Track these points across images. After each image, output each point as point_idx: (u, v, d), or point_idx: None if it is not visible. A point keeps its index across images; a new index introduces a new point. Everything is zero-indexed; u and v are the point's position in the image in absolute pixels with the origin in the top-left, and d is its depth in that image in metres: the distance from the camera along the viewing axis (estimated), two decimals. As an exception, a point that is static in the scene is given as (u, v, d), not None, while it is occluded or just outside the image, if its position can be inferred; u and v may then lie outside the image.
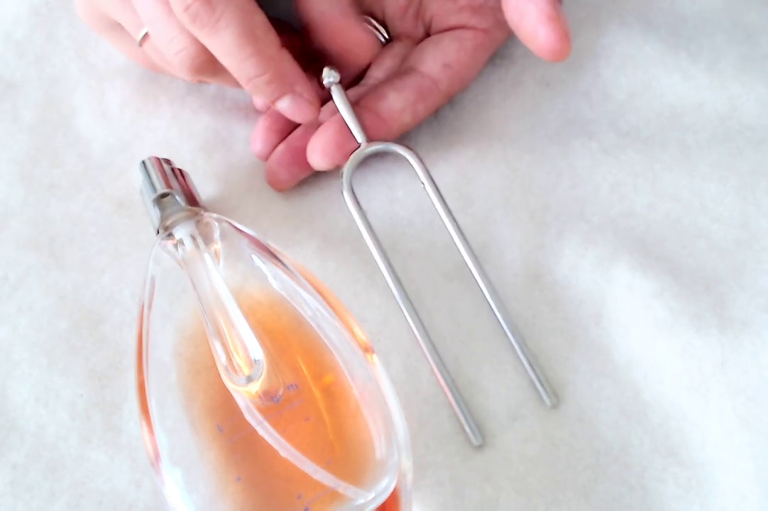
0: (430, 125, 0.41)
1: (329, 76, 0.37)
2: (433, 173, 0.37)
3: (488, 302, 0.35)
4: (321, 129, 0.37)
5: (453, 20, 0.39)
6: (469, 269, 0.36)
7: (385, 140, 0.37)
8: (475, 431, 0.33)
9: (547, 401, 0.34)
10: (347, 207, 0.36)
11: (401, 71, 0.39)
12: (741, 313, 0.35)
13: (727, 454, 0.32)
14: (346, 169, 0.36)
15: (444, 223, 0.36)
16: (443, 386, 0.34)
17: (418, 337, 0.35)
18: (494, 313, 0.35)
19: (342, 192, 0.36)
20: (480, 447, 0.34)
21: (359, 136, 0.37)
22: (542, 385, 0.34)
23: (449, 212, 0.36)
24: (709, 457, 0.33)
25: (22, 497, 0.34)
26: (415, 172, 0.37)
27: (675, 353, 0.34)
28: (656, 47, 0.42)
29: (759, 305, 0.35)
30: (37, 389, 0.36)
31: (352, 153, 0.37)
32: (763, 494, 0.32)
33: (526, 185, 0.39)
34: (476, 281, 0.36)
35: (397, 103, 0.38)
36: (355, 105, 0.37)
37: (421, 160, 0.37)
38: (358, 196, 0.37)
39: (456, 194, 0.39)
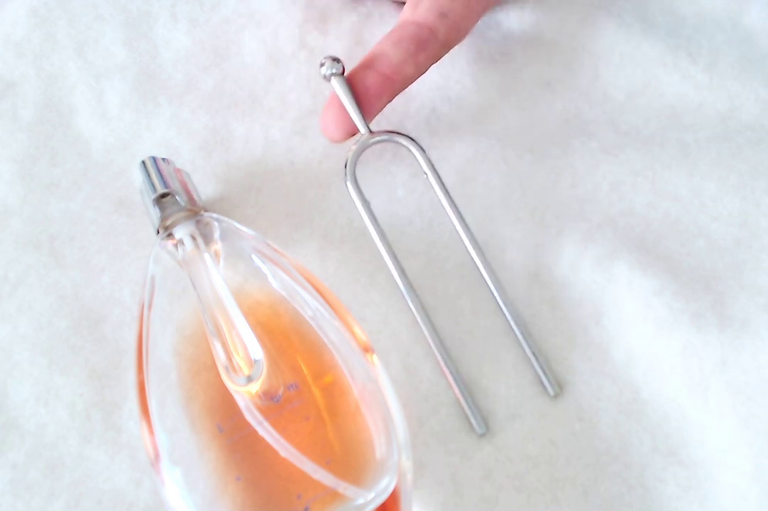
0: (429, 124, 0.41)
1: (331, 67, 0.36)
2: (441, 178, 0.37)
3: (491, 298, 0.36)
4: (330, 102, 0.37)
5: None
6: (474, 262, 0.36)
7: (388, 131, 0.37)
8: (479, 420, 0.34)
9: (550, 391, 0.34)
10: (351, 198, 0.36)
11: (397, 25, 0.38)
12: (741, 312, 0.35)
13: (727, 453, 0.33)
14: (350, 159, 0.36)
15: (447, 212, 0.36)
16: (450, 380, 0.34)
17: (425, 330, 0.35)
18: (500, 307, 0.36)
19: (345, 183, 0.36)
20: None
21: (362, 127, 0.36)
22: (546, 375, 0.34)
23: (452, 203, 0.36)
24: (708, 456, 0.33)
25: (21, 496, 0.34)
26: (418, 163, 0.37)
27: (675, 351, 0.34)
28: (656, 47, 0.42)
29: (759, 304, 0.35)
30: (37, 388, 0.36)
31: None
32: (762, 494, 0.32)
33: (526, 184, 0.39)
34: (481, 274, 0.36)
35: (397, 56, 0.37)
36: (356, 66, 0.37)
37: (423, 151, 0.37)
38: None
39: (455, 194, 0.38)
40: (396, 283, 0.36)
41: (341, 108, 0.37)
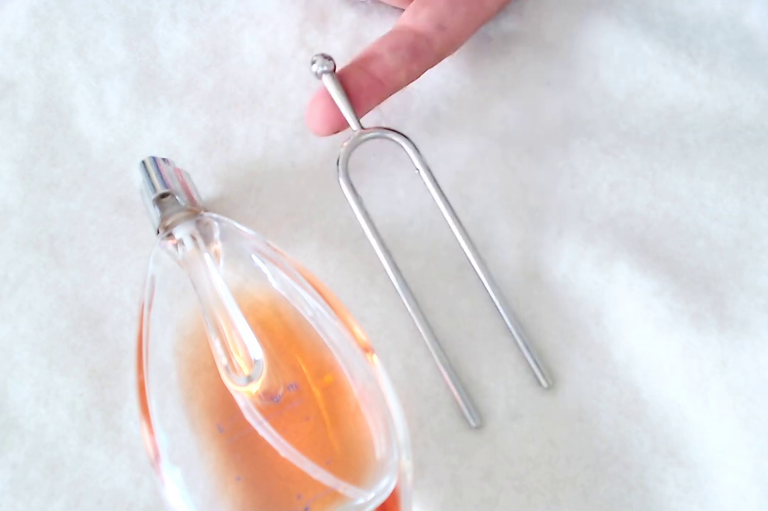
0: (429, 124, 0.41)
1: (322, 64, 0.37)
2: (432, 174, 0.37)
3: (491, 299, 0.36)
4: (318, 97, 0.37)
5: None
6: (470, 263, 0.36)
7: (380, 127, 0.37)
8: (473, 413, 0.34)
9: (543, 383, 0.34)
10: (344, 196, 0.36)
11: (396, 29, 0.39)
12: (741, 313, 0.35)
13: (727, 454, 0.33)
14: (341, 156, 0.37)
15: (439, 208, 0.36)
16: (446, 378, 0.34)
17: (422, 333, 0.35)
18: (498, 309, 0.36)
19: (338, 179, 0.36)
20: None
21: (353, 124, 0.37)
22: (538, 366, 0.34)
23: (444, 197, 0.36)
24: (708, 457, 0.33)
25: (21, 496, 0.34)
26: (410, 158, 0.37)
27: (675, 352, 0.34)
28: (655, 47, 0.42)
29: (759, 305, 0.35)
30: (37, 388, 0.36)
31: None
32: (762, 494, 0.32)
33: (526, 185, 0.39)
34: (478, 276, 0.36)
35: (393, 63, 0.37)
36: (350, 64, 0.38)
37: (415, 147, 0.37)
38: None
39: (455, 194, 0.39)
40: (395, 283, 0.36)
41: (330, 103, 0.37)
